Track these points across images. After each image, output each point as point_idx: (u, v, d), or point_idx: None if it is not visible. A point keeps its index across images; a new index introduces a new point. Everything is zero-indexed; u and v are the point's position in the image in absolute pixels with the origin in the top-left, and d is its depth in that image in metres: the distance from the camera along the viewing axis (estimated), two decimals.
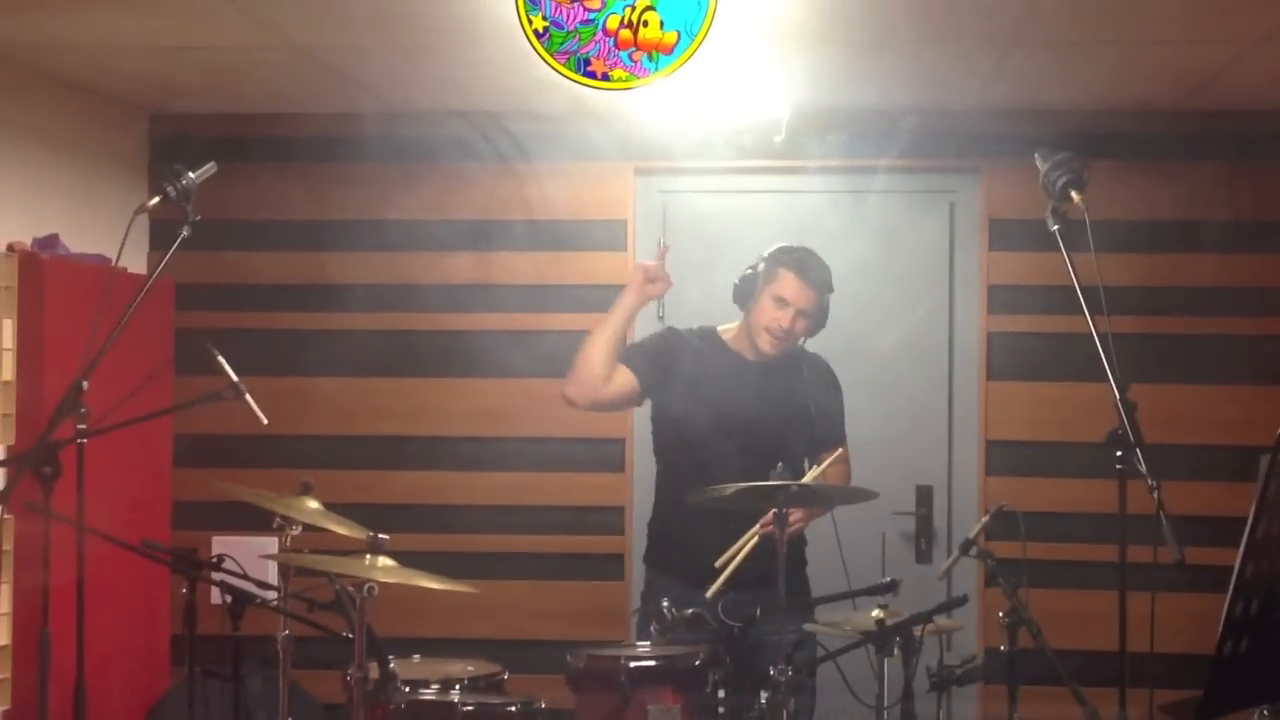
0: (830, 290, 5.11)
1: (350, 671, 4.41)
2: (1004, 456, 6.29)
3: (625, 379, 5.10)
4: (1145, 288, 6.12)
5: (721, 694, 4.43)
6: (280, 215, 6.54)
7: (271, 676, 4.82)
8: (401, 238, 6.47)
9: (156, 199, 4.44)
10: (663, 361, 5.18)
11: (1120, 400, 3.68)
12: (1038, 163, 3.97)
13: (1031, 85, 5.78)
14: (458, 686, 4.61)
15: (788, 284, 5.04)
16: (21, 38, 5.22)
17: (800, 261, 5.07)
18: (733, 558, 4.79)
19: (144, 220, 6.10)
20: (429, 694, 4.57)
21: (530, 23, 4.22)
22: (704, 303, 6.26)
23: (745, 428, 5.02)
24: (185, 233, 4.43)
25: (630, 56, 4.24)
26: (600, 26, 4.22)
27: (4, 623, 5.29)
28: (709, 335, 5.29)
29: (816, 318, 5.10)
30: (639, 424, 6.34)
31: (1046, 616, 4.51)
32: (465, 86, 5.80)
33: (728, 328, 5.28)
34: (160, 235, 6.26)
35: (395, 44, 5.25)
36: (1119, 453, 3.65)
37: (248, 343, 6.16)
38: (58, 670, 4.38)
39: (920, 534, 6.36)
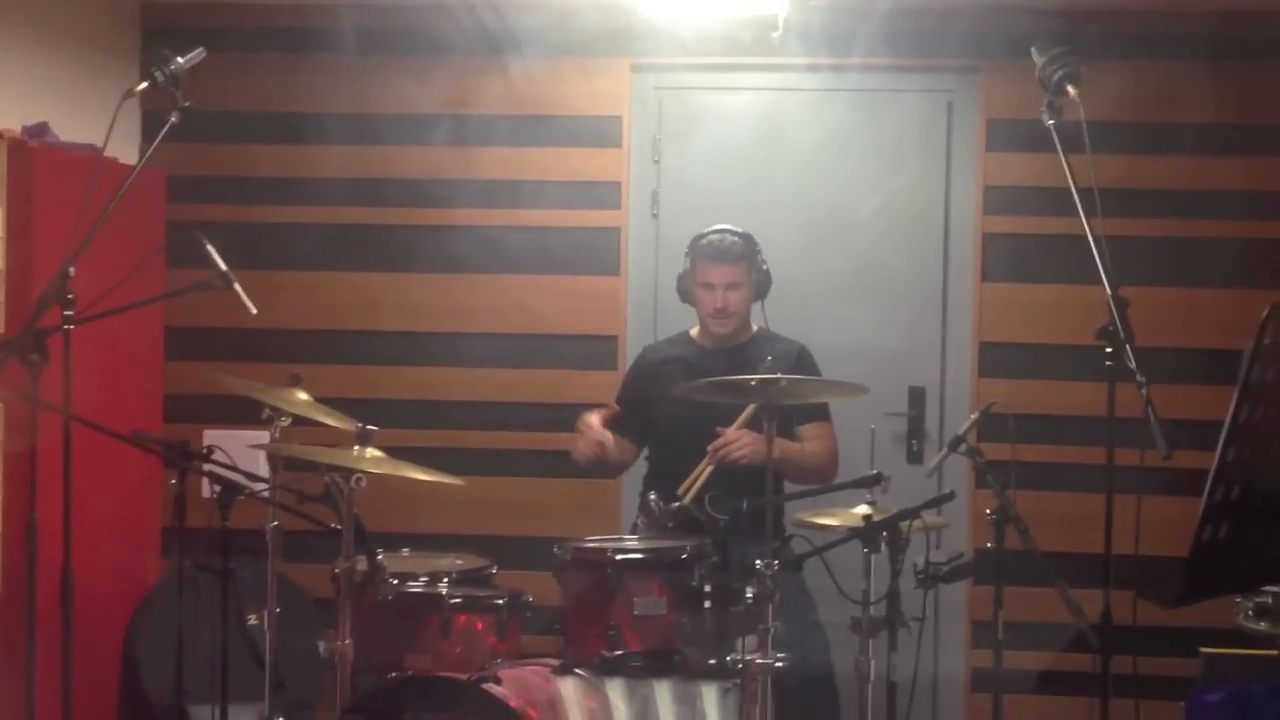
0: (755, 252, 5.34)
1: (338, 564, 4.43)
2: (997, 358, 6.27)
3: (629, 450, 5.45)
4: (1137, 190, 6.08)
5: (708, 588, 4.45)
6: (273, 107, 6.48)
7: (261, 569, 4.84)
8: (397, 131, 6.42)
9: (144, 84, 4.43)
10: (638, 396, 5.44)
11: (1111, 296, 3.67)
12: (1034, 56, 3.96)
13: None
14: (446, 580, 4.63)
15: (705, 270, 5.31)
16: None
17: (710, 245, 5.31)
18: (691, 485, 4.98)
19: (136, 112, 6.11)
20: (417, 587, 4.60)
21: None
22: (699, 199, 6.27)
23: (713, 411, 5.01)
24: (174, 118, 4.41)
25: None
26: None
27: None
28: (680, 338, 5.56)
29: (751, 283, 5.33)
30: (631, 321, 6.34)
31: (1034, 518, 4.53)
32: None
33: (696, 327, 5.49)
34: (152, 126, 6.21)
35: None
36: (1109, 349, 3.65)
37: (240, 236, 6.09)
38: (47, 558, 4.39)
39: (912, 435, 6.35)
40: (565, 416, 6.28)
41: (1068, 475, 5.98)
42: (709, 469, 5.00)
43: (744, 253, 5.28)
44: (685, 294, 5.42)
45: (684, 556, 4.48)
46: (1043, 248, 6.14)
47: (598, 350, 6.35)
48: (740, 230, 5.33)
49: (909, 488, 5.13)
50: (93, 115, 5.78)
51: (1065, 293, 6.08)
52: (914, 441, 6.35)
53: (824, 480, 5.24)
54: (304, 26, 6.41)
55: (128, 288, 4.57)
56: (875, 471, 4.61)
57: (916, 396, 6.36)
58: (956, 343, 6.34)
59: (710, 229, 5.34)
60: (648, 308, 6.34)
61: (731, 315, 5.29)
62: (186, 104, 4.45)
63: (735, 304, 5.28)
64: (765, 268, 5.34)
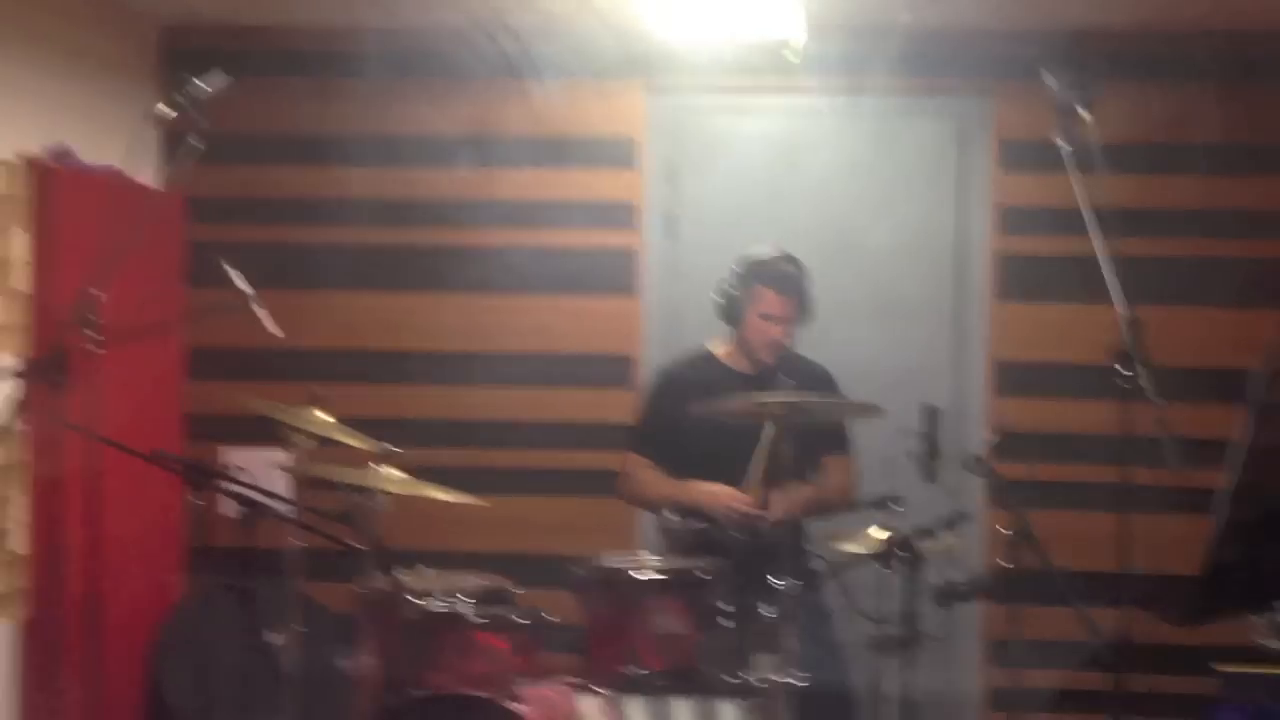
0: (808, 279, 5.23)
1: (360, 582, 4.47)
2: (1012, 377, 6.30)
3: (645, 467, 5.35)
4: (1150, 210, 6.11)
5: (728, 607, 4.47)
6: (291, 129, 6.53)
7: (283, 587, 4.87)
8: (418, 153, 6.46)
9: (166, 109, 4.46)
10: (664, 418, 5.31)
11: (1126, 318, 3.71)
12: (1046, 80, 3.99)
13: (1043, 4, 5.75)
14: (467, 599, 4.65)
15: (769, 301, 5.16)
16: None
17: (775, 274, 5.17)
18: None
19: (156, 132, 6.14)
20: (438, 606, 4.61)
21: None
22: (715, 220, 6.31)
23: (747, 438, 4.98)
24: (195, 143, 4.45)
25: None
26: None
27: (22, 532, 5.34)
28: (703, 358, 5.40)
29: (803, 313, 5.23)
30: (647, 340, 6.38)
31: (1049, 537, 4.54)
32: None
33: (721, 344, 5.37)
34: (172, 147, 6.25)
35: None
36: (1123, 371, 3.68)
37: (259, 256, 6.13)
38: (73, 578, 4.43)
39: (927, 454, 6.36)
40: (582, 435, 6.35)
41: (1082, 493, 5.98)
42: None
43: (804, 282, 5.22)
44: (732, 315, 5.27)
45: (703, 576, 4.51)
46: (1056, 268, 6.16)
47: (614, 369, 6.39)
48: (795, 256, 5.24)
49: (924, 507, 5.16)
50: (114, 137, 5.85)
51: (1081, 312, 6.11)
52: (929, 460, 6.36)
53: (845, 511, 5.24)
54: (325, 50, 6.46)
55: (150, 309, 4.62)
56: (890, 492, 4.65)
57: (931, 416, 6.37)
58: (971, 362, 6.37)
59: (770, 253, 5.23)
60: (664, 327, 6.38)
61: (784, 347, 5.23)
62: (207, 127, 4.50)
63: (790, 336, 5.22)
64: (812, 293, 5.26)
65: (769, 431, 4.82)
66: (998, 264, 6.32)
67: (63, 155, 5.61)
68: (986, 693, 6.23)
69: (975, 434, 6.10)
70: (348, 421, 4.93)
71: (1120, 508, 3.81)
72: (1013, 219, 6.29)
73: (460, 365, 6.47)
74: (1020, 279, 6.29)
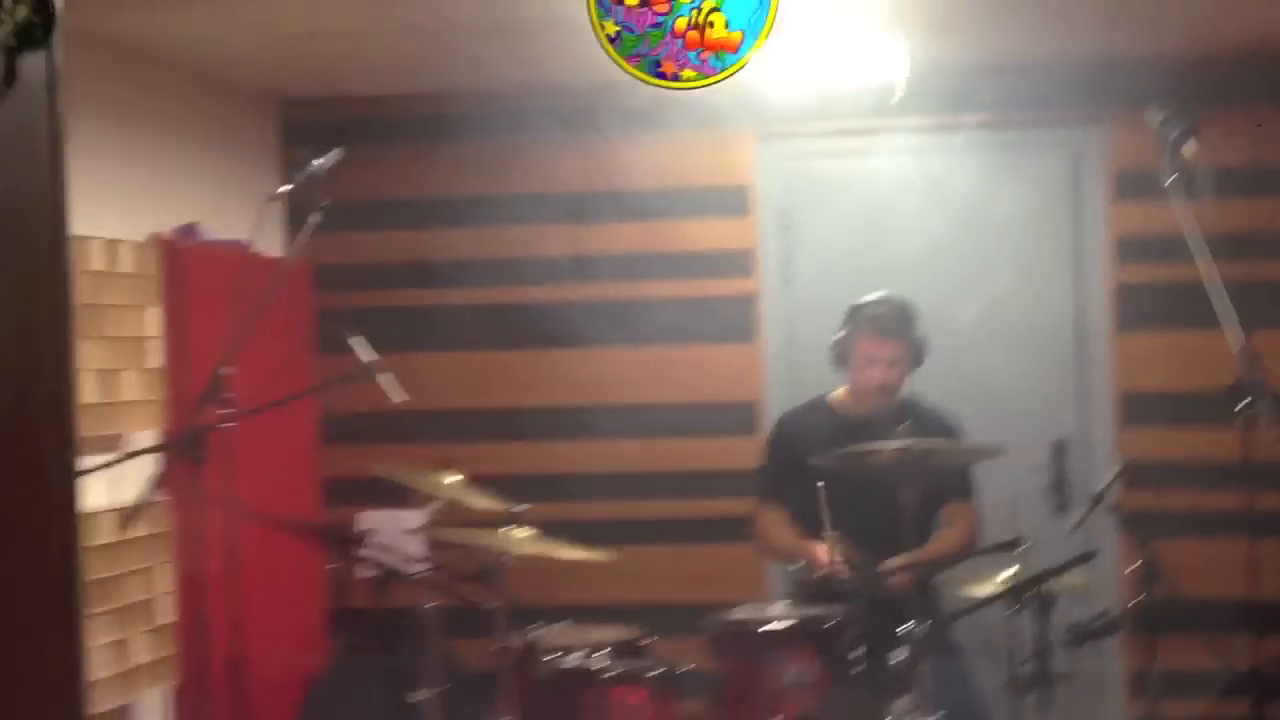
0: (915, 323, 5.24)
1: (496, 640, 4.54)
2: (1138, 408, 6.25)
3: (784, 520, 5.35)
4: (1270, 233, 6.05)
5: (858, 653, 4.48)
6: (412, 194, 6.65)
7: (422, 647, 4.95)
8: (533, 210, 6.51)
9: (287, 187, 4.60)
10: (782, 466, 5.37)
11: (1242, 348, 3.71)
12: (1152, 117, 4.00)
13: (1149, 32, 5.74)
14: (602, 652, 4.70)
15: (869, 345, 5.19)
16: (151, 31, 5.33)
17: (874, 319, 5.20)
18: None
19: (280, 206, 6.29)
20: (574, 661, 4.67)
21: (603, 28, 4.23)
22: (831, 263, 6.34)
23: (854, 486, 4.95)
24: (317, 218, 4.57)
25: (699, 57, 4.24)
26: (669, 29, 4.21)
27: (170, 602, 5.47)
28: (816, 407, 5.46)
29: (910, 358, 5.24)
30: (770, 386, 6.41)
31: (1181, 566, 4.51)
32: (577, 60, 5.88)
33: (836, 393, 5.41)
34: (295, 219, 6.39)
35: (507, 22, 5.29)
36: (1242, 401, 3.68)
37: (384, 320, 6.26)
38: (221, 646, 4.54)
39: (1055, 488, 6.34)
40: (709, 484, 6.38)
41: (1211, 522, 5.92)
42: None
43: (908, 327, 5.22)
44: (841, 361, 5.30)
45: (833, 624, 4.52)
46: (1179, 296, 6.08)
47: (738, 417, 6.42)
48: (900, 299, 5.25)
49: (1054, 542, 5.15)
50: (238, 211, 5.99)
51: (1202, 339, 6.04)
52: (1057, 495, 6.33)
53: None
54: (438, 114, 6.57)
55: (282, 377, 4.74)
56: (1010, 538, 4.64)
57: (1059, 449, 6.34)
58: (1096, 394, 6.33)
59: (872, 299, 5.25)
60: (786, 373, 6.40)
61: (893, 391, 5.22)
62: (328, 202, 4.61)
63: (896, 379, 5.21)
64: (921, 335, 5.26)
65: (822, 486, 4.84)
66: (1118, 294, 6.28)
67: (190, 233, 5.76)
68: None
69: (1102, 467, 6.07)
70: (477, 480, 5.01)
71: (1250, 534, 3.79)
72: (1131, 248, 6.25)
73: (585, 419, 6.53)
74: (1141, 308, 6.24)
